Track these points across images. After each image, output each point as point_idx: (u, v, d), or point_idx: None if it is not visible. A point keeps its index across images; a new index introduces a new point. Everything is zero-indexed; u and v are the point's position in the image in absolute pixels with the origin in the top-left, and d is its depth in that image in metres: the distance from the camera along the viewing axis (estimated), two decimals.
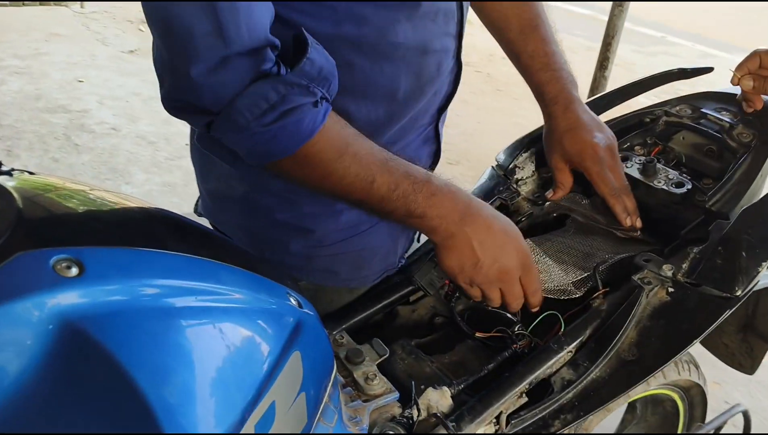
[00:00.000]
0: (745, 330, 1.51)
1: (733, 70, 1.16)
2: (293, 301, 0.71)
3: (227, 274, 0.65)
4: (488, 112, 4.65)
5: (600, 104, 1.25)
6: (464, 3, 0.95)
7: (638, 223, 1.08)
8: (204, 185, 1.04)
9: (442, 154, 1.10)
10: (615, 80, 5.55)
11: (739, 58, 1.10)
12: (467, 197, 0.90)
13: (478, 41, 6.36)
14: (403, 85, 0.91)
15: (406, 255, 1.11)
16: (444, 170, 1.07)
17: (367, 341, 0.94)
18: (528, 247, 0.94)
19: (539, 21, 1.12)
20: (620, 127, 1.22)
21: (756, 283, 0.94)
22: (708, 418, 1.43)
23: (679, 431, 1.53)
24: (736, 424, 1.53)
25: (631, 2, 2.27)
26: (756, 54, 1.13)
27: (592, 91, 2.48)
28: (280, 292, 0.70)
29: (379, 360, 0.90)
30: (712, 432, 1.35)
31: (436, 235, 0.89)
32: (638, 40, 6.76)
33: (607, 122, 1.22)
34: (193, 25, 0.68)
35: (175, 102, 0.76)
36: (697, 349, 1.14)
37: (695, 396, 1.46)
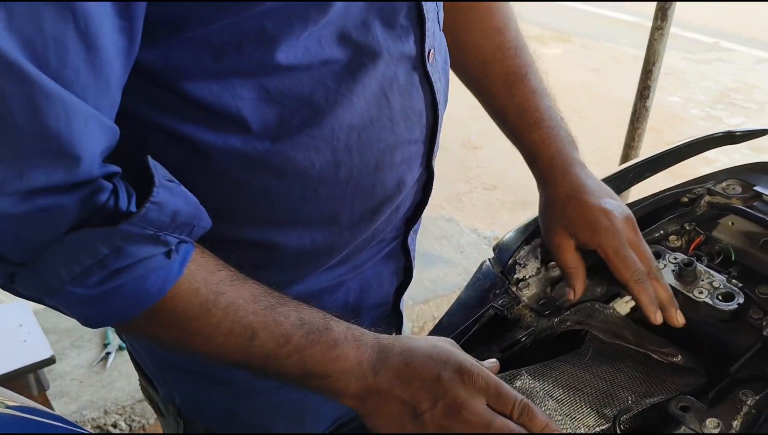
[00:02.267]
0: None
1: None
2: None
3: None
4: None
5: (625, 178, 1.01)
6: (440, 99, 0.74)
7: (680, 319, 0.82)
8: None
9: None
10: (665, 90, 5.23)
11: None
12: (374, 339, 0.67)
13: None
14: (347, 210, 0.69)
15: None
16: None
17: None
18: (469, 359, 0.69)
19: (528, 69, 0.91)
20: (651, 208, 0.97)
21: None
22: None
23: None
24: None
25: (675, 10, 1.97)
26: None
27: (632, 123, 2.20)
28: None
29: None
30: None
31: (348, 399, 0.66)
32: (689, 47, 6.40)
33: (633, 203, 0.97)
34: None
35: None
36: None
37: None
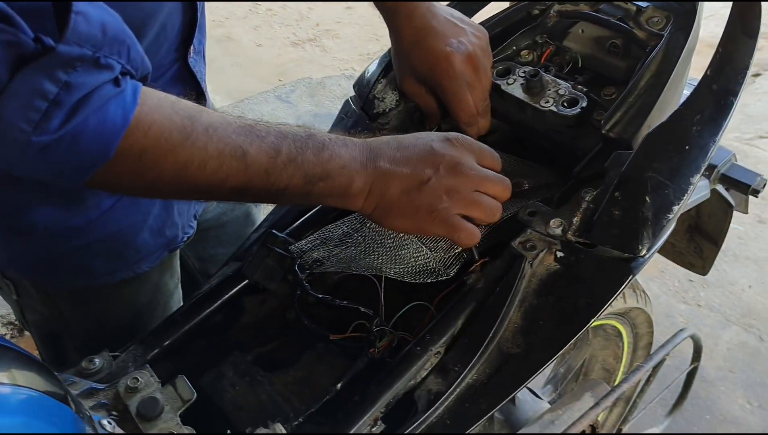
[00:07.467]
0: (691, 231, 1.31)
1: None
2: None
3: None
4: None
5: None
6: None
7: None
8: None
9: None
10: None
11: None
12: (358, 138, 0.71)
13: None
14: None
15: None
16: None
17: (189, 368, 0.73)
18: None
19: None
20: (502, 25, 0.95)
21: (668, 233, 0.72)
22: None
23: (624, 353, 1.37)
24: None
25: None
26: None
27: None
28: None
29: (183, 407, 0.68)
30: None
31: (353, 198, 0.70)
32: None
33: (484, 22, 0.95)
34: None
35: None
36: None
37: (637, 318, 1.29)
